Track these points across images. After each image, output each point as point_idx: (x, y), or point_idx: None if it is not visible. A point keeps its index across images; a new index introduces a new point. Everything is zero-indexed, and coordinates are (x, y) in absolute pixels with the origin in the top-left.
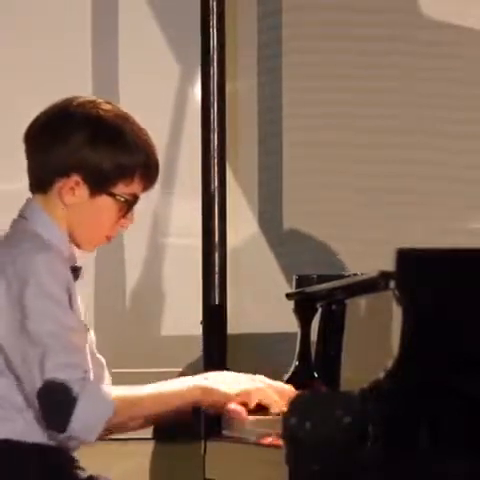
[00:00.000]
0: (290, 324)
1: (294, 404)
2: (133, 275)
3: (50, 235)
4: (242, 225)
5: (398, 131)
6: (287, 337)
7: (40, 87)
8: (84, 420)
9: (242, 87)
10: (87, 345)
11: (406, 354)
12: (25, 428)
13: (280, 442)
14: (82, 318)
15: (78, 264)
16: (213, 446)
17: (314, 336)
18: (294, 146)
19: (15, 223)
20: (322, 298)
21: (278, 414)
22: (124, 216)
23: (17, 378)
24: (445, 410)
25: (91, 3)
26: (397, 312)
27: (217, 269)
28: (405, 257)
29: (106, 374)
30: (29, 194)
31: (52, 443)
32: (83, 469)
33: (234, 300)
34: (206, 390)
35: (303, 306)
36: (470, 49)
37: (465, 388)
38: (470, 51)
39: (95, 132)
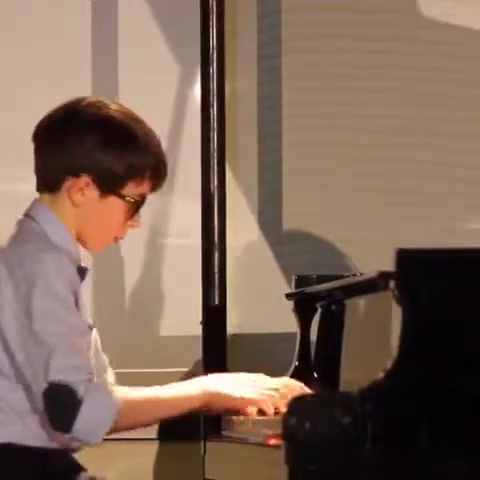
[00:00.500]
0: (290, 324)
1: (294, 404)
2: (133, 275)
3: (58, 235)
4: (242, 225)
5: (398, 131)
6: (287, 337)
7: (40, 87)
8: (88, 422)
9: (242, 87)
10: (92, 345)
11: (406, 354)
12: (25, 432)
13: (280, 442)
14: (88, 318)
15: (84, 265)
16: (213, 446)
17: (314, 336)
18: (294, 146)
19: (22, 223)
20: (322, 298)
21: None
22: (132, 217)
23: (23, 381)
24: (445, 410)
25: (91, 3)
26: (396, 312)
27: (217, 269)
28: (405, 257)
29: (109, 373)
30: (28, 194)
31: (52, 446)
32: (84, 470)
33: (234, 300)
34: (215, 395)
35: (303, 306)
36: (470, 49)
37: (465, 388)
38: (470, 51)
39: (107, 133)
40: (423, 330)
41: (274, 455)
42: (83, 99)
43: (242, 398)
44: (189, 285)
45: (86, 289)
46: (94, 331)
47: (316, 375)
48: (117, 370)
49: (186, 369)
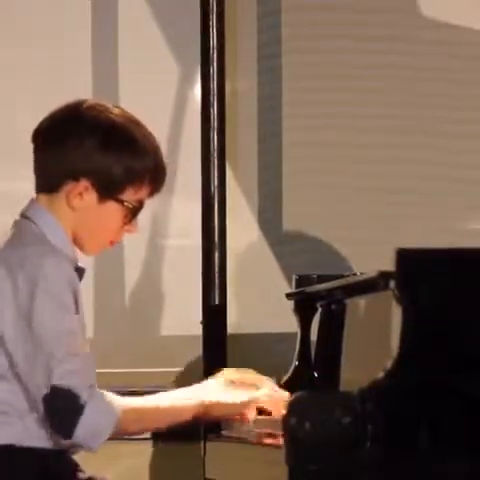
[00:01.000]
0: (290, 324)
1: (294, 404)
2: (133, 275)
3: (56, 237)
4: (242, 225)
5: (398, 131)
6: (287, 337)
7: (40, 87)
8: (90, 428)
9: (242, 87)
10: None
11: (406, 354)
12: (25, 433)
13: (280, 442)
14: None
15: (81, 265)
16: (213, 446)
17: (314, 336)
18: (294, 146)
19: (19, 224)
20: (322, 298)
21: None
22: (129, 222)
23: (21, 382)
24: (445, 410)
25: (91, 3)
26: (397, 312)
27: (217, 269)
28: (405, 257)
29: None
30: (28, 194)
31: (52, 447)
32: (83, 471)
33: (234, 300)
34: (216, 404)
35: (303, 306)
36: (470, 49)
37: (465, 388)
38: (470, 51)
39: (107, 137)
40: (423, 330)
41: (274, 455)
42: (84, 101)
43: (241, 403)
44: (189, 285)
45: (86, 289)
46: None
47: (316, 375)
48: (117, 370)
49: (186, 369)
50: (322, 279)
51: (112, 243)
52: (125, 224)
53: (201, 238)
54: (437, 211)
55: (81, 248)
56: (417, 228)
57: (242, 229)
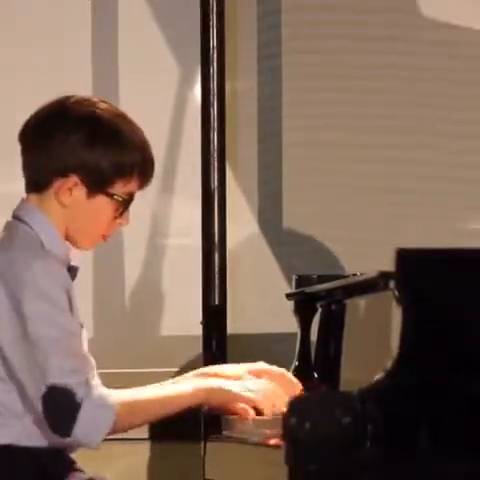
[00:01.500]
0: (290, 324)
1: (294, 404)
2: (133, 275)
3: (47, 236)
4: (242, 225)
5: (398, 131)
6: (287, 337)
7: (40, 87)
8: (88, 425)
9: (242, 87)
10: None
11: (406, 354)
12: (23, 433)
13: (280, 442)
14: (79, 317)
15: (74, 264)
16: (213, 446)
17: (314, 336)
18: (294, 146)
19: (11, 226)
20: (322, 298)
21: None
22: (120, 215)
23: (17, 384)
24: (445, 410)
25: (91, 3)
26: (397, 312)
27: (217, 269)
28: (405, 257)
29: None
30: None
31: (51, 446)
32: (82, 471)
33: (234, 300)
34: (211, 391)
35: (303, 306)
36: (470, 49)
37: (465, 388)
38: (470, 51)
39: (93, 132)
40: (423, 330)
41: (274, 455)
42: (71, 97)
43: (240, 393)
44: (189, 285)
45: (86, 289)
46: (83, 331)
47: (316, 375)
48: (117, 370)
49: (186, 369)
50: (322, 279)
51: (105, 237)
52: (116, 217)
53: (201, 238)
54: (437, 211)
55: (74, 244)
56: (417, 228)
57: (242, 229)
